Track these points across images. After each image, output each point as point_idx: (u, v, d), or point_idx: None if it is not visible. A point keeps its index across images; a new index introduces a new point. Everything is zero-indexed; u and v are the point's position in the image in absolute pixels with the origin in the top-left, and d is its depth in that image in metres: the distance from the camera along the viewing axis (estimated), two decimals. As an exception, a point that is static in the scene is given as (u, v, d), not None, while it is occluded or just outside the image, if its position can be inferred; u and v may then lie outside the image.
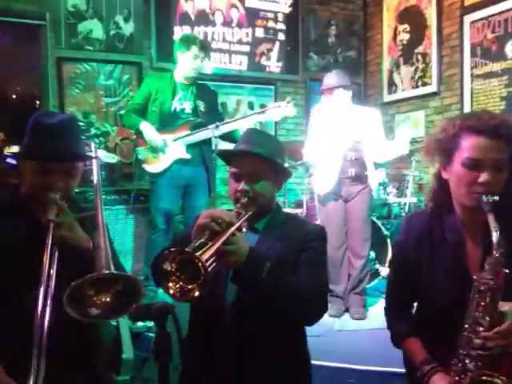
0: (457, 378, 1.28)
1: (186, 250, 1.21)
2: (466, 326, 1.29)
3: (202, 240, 1.30)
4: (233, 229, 1.36)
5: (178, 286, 1.22)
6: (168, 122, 3.56)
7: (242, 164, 1.58)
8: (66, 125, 1.54)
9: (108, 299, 1.28)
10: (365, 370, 2.51)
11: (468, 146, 1.36)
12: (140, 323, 2.91)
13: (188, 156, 3.56)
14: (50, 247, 1.33)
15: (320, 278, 1.55)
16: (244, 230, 1.51)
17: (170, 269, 1.21)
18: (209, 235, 1.32)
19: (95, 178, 1.68)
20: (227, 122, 3.58)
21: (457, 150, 1.38)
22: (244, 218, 1.49)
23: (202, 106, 3.67)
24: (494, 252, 1.26)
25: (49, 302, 1.24)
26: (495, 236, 1.26)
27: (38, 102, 5.07)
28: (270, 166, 1.59)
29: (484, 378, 1.23)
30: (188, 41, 3.66)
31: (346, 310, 3.55)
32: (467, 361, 1.27)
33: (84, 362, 1.48)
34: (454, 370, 1.30)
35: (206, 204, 3.67)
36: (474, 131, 1.35)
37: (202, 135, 3.52)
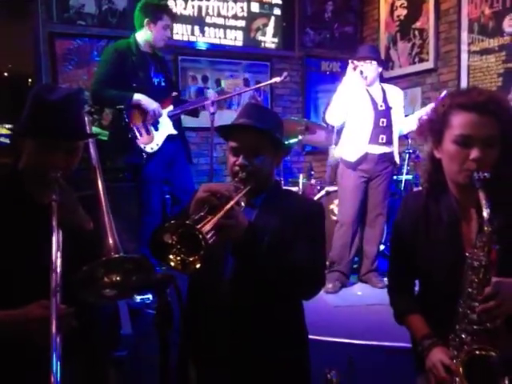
0: (455, 352, 1.30)
1: (187, 222, 1.21)
2: (461, 301, 1.31)
3: (202, 214, 1.30)
4: (232, 203, 1.36)
5: (178, 258, 1.23)
6: (153, 97, 3.39)
7: (242, 138, 1.57)
8: (70, 101, 1.47)
9: (119, 278, 1.28)
10: (362, 344, 2.55)
11: (458, 123, 1.36)
12: (138, 299, 2.93)
13: (175, 131, 3.49)
14: (56, 229, 1.29)
15: (317, 254, 1.57)
16: (243, 204, 1.51)
17: (170, 241, 1.21)
18: (208, 209, 1.32)
19: (94, 157, 1.64)
20: (223, 98, 3.54)
21: (447, 128, 1.39)
22: (243, 192, 1.48)
23: (171, 78, 3.61)
24: (485, 228, 1.27)
25: (59, 288, 1.22)
26: (486, 212, 1.26)
27: (30, 80, 4.99)
28: (269, 140, 1.58)
29: (478, 352, 1.25)
30: (158, 9, 3.45)
31: (344, 286, 3.63)
32: (463, 335, 1.29)
33: (82, 341, 1.48)
34: (452, 345, 1.32)
35: (192, 175, 3.66)
36: (463, 108, 1.35)
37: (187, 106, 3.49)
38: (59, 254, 1.27)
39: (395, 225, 1.65)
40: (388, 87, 3.69)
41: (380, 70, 3.61)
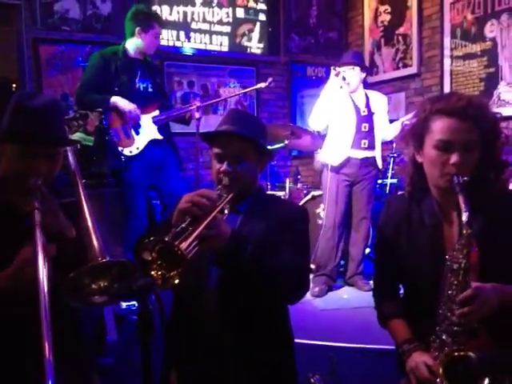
0: (436, 354, 1.32)
1: (165, 239, 1.20)
2: (442, 303, 1.32)
3: (183, 225, 1.29)
4: (214, 213, 1.36)
5: (159, 273, 1.22)
6: (136, 101, 3.40)
7: (226, 144, 1.57)
8: (51, 108, 1.47)
9: (106, 284, 1.27)
10: (347, 347, 2.56)
11: (438, 128, 1.38)
12: (124, 306, 2.91)
13: (160, 136, 3.49)
14: (39, 238, 1.26)
15: (301, 259, 1.57)
16: (226, 211, 1.51)
17: (150, 258, 1.21)
18: (190, 220, 1.31)
19: (72, 163, 1.62)
20: (209, 103, 3.55)
21: (428, 133, 1.41)
22: (225, 201, 1.48)
23: (159, 84, 3.61)
24: (464, 232, 1.28)
25: (47, 299, 1.20)
26: (465, 216, 1.28)
27: (14, 85, 4.95)
28: (253, 147, 1.59)
29: (457, 353, 1.26)
30: (150, 18, 3.51)
31: (330, 290, 3.65)
32: (444, 337, 1.31)
33: (64, 348, 1.47)
34: (433, 346, 1.34)
35: (181, 181, 3.65)
36: (442, 113, 1.37)
37: (181, 115, 3.48)
38: (46, 263, 1.25)
39: (378, 228, 1.66)
40: (371, 93, 3.73)
41: (363, 75, 3.65)
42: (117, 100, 3.33)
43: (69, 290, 1.19)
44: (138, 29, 3.44)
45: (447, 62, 4.76)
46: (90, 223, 1.36)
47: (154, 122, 3.49)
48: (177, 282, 1.20)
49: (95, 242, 1.29)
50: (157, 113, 3.51)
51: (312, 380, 1.33)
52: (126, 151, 3.41)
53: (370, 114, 3.60)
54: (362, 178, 3.64)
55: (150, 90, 3.55)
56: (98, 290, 1.26)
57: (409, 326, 1.50)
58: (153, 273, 1.21)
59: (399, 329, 1.51)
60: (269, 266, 1.44)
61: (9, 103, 1.47)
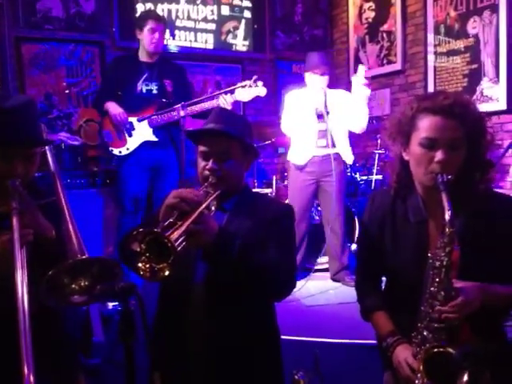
0: (417, 349, 1.34)
1: (155, 230, 1.21)
2: (424, 300, 1.34)
3: (171, 220, 1.30)
4: (201, 208, 1.36)
5: (147, 266, 1.22)
6: (134, 104, 3.52)
7: (211, 143, 1.58)
8: (25, 108, 1.47)
9: (86, 283, 1.27)
10: (331, 342, 2.58)
11: (424, 126, 1.39)
12: (110, 306, 2.90)
13: (155, 138, 3.53)
14: (18, 237, 1.27)
15: (288, 255, 1.58)
16: (213, 209, 1.52)
17: (139, 249, 1.21)
18: (177, 215, 1.32)
19: (51, 163, 1.62)
20: (194, 102, 3.54)
21: (414, 130, 1.42)
22: (213, 197, 1.49)
23: (169, 86, 3.61)
24: (447, 230, 1.30)
25: (26, 298, 1.19)
26: (448, 214, 1.29)
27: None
28: (238, 145, 1.60)
29: (437, 349, 1.28)
30: (142, 17, 3.64)
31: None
32: (425, 333, 1.33)
33: (47, 347, 1.46)
34: (414, 342, 1.36)
35: (176, 186, 3.66)
36: (429, 111, 1.38)
37: (167, 116, 3.47)
38: (24, 264, 1.25)
39: (362, 223, 1.68)
40: (330, 92, 3.74)
41: (327, 77, 3.70)
42: (108, 105, 3.51)
43: (48, 289, 1.19)
44: (137, 31, 3.59)
45: (431, 58, 4.80)
46: (69, 222, 1.36)
47: (149, 124, 3.54)
48: (167, 273, 1.21)
49: (74, 240, 1.29)
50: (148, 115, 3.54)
51: (296, 377, 1.34)
52: (116, 151, 3.54)
53: (326, 113, 3.65)
54: (327, 175, 3.70)
55: (154, 92, 3.62)
56: (78, 289, 1.26)
57: (391, 319, 1.52)
58: (140, 265, 1.22)
59: (382, 321, 1.53)
60: (256, 262, 1.45)
61: None
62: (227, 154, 1.57)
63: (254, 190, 1.85)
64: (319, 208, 4.01)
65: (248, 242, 1.46)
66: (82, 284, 1.28)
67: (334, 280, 3.81)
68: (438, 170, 1.35)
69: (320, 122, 3.66)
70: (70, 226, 1.35)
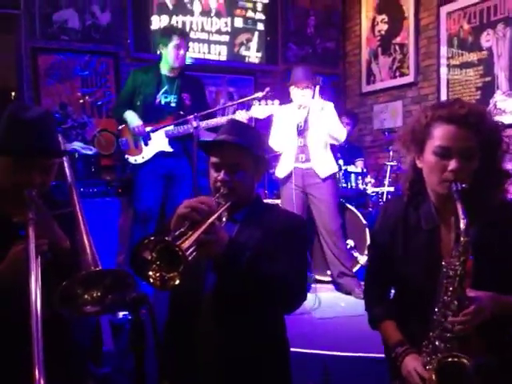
0: (428, 359, 1.33)
1: (166, 238, 1.21)
2: (436, 309, 1.33)
3: (182, 230, 1.30)
4: (212, 218, 1.37)
5: (158, 274, 1.23)
6: (152, 115, 3.59)
7: (223, 154, 1.59)
8: (43, 119, 1.49)
9: (99, 294, 1.28)
10: (341, 356, 2.55)
11: (438, 134, 1.39)
12: (120, 315, 2.90)
13: (171, 149, 3.59)
14: (34, 248, 1.27)
15: (298, 267, 1.57)
16: (224, 220, 1.53)
17: (149, 258, 1.22)
18: (189, 225, 1.33)
19: (68, 174, 1.64)
20: (207, 114, 3.56)
21: (428, 139, 1.42)
22: (224, 208, 1.50)
23: (187, 99, 3.67)
24: (462, 239, 1.29)
25: (39, 307, 1.19)
26: (463, 223, 1.29)
27: (13, 94, 4.97)
28: (249, 156, 1.60)
29: (451, 359, 1.27)
30: (168, 32, 3.66)
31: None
32: (437, 342, 1.32)
33: (56, 354, 1.46)
34: (425, 351, 1.35)
35: (189, 195, 3.69)
36: (444, 120, 1.38)
37: (183, 128, 3.52)
38: (39, 274, 1.25)
39: (374, 231, 1.67)
40: (314, 105, 3.71)
41: (312, 92, 3.71)
42: (127, 115, 3.58)
43: (61, 299, 1.20)
44: (160, 46, 3.65)
45: (444, 70, 4.80)
46: (84, 234, 1.37)
47: (166, 135, 3.60)
48: (177, 283, 1.21)
49: (88, 251, 1.30)
50: (171, 127, 3.59)
51: (308, 389, 1.33)
52: (132, 159, 3.61)
53: (306, 129, 3.70)
54: (312, 188, 3.74)
55: (172, 104, 3.69)
56: (91, 299, 1.27)
57: (399, 328, 1.51)
58: (151, 273, 1.22)
59: (390, 330, 1.52)
60: (265, 273, 1.44)
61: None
62: (238, 165, 1.58)
63: (265, 201, 1.84)
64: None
65: (258, 254, 1.45)
66: (95, 295, 1.29)
67: (342, 289, 3.79)
68: (451, 179, 1.35)
69: (299, 137, 3.71)
70: (85, 237, 1.36)
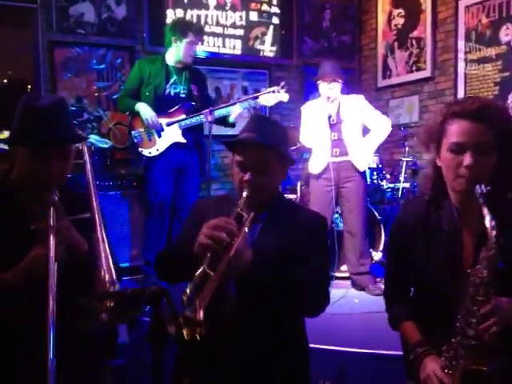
0: (448, 363, 1.32)
1: (186, 315, 1.21)
2: (460, 316, 1.31)
3: (205, 268, 1.28)
4: (234, 250, 1.33)
5: (185, 330, 1.24)
6: (163, 106, 3.57)
7: (248, 154, 1.53)
8: (58, 107, 1.49)
9: (112, 304, 1.29)
10: (356, 352, 2.55)
11: (452, 130, 1.38)
12: (135, 308, 2.92)
13: (184, 140, 3.58)
14: (53, 257, 1.29)
15: (321, 269, 1.57)
16: (246, 229, 1.45)
17: (174, 329, 1.22)
18: (210, 259, 1.31)
19: (89, 177, 1.61)
20: (221, 107, 3.58)
21: (444, 136, 1.41)
22: (247, 223, 1.44)
23: (195, 91, 3.67)
24: (490, 245, 1.27)
25: (55, 312, 1.22)
26: (490, 228, 1.26)
27: (29, 87, 5.01)
28: (275, 154, 1.55)
29: (474, 367, 1.26)
30: (184, 27, 3.65)
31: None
32: (459, 349, 1.30)
33: (71, 345, 1.47)
34: (446, 356, 1.33)
35: (197, 189, 3.71)
36: (457, 116, 1.37)
37: (196, 120, 3.53)
38: (55, 281, 1.27)
39: (393, 229, 1.65)
40: (344, 99, 3.76)
41: (341, 86, 3.74)
42: (140, 107, 3.54)
43: (78, 314, 1.21)
44: (173, 38, 3.61)
45: (461, 65, 4.73)
46: (101, 244, 1.36)
47: (179, 126, 3.60)
48: (202, 333, 1.22)
49: (106, 269, 1.30)
50: (183, 117, 3.60)
51: (322, 385, 1.33)
52: (146, 152, 3.58)
53: (339, 122, 3.70)
54: (345, 181, 3.74)
55: (181, 95, 3.69)
56: (107, 309, 1.27)
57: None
58: (184, 332, 1.23)
59: (410, 331, 1.50)
60: (291, 282, 1.43)
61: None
62: (264, 164, 1.52)
63: (287, 198, 1.81)
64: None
65: (281, 257, 1.45)
66: (109, 305, 1.29)
67: (357, 285, 3.78)
68: (466, 175, 1.34)
69: (333, 131, 3.70)
70: (102, 248, 1.35)
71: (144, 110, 3.53)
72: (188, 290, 1.24)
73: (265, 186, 1.54)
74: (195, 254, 1.33)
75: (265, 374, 1.48)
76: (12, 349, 1.38)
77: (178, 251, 1.53)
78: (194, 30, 3.66)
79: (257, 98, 3.59)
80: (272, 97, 3.52)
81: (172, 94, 3.66)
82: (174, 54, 3.64)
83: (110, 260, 1.35)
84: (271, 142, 1.53)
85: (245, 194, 1.49)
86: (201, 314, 1.21)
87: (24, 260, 1.35)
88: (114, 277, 1.31)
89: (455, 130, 1.36)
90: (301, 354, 1.60)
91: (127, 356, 2.40)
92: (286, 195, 4.37)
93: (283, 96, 3.57)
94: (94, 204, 1.51)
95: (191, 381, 1.53)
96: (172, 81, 3.65)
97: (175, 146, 3.60)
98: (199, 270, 1.28)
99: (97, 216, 1.47)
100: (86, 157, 1.70)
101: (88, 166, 1.66)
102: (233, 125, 3.72)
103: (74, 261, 1.39)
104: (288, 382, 1.53)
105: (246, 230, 1.44)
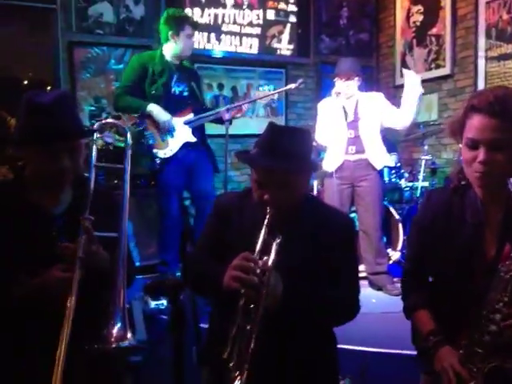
0: (466, 358, 1.30)
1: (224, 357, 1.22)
2: (484, 312, 1.29)
3: (240, 324, 1.28)
4: (265, 291, 1.31)
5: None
6: (171, 105, 3.51)
7: (266, 175, 1.43)
8: (62, 102, 1.45)
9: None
10: (376, 352, 2.53)
11: (469, 125, 1.36)
12: (153, 305, 2.95)
13: (194, 139, 3.56)
14: (77, 284, 1.31)
15: (354, 280, 1.57)
16: (273, 255, 1.39)
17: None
18: (243, 307, 1.30)
19: (126, 189, 1.59)
20: (237, 105, 3.57)
21: (464, 130, 1.38)
22: (275, 252, 1.37)
23: (196, 89, 3.66)
24: None
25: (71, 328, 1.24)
26: None
27: (49, 88, 5.08)
28: (299, 172, 1.47)
29: (498, 364, 1.25)
30: (180, 20, 3.55)
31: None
32: (481, 345, 1.29)
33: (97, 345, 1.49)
34: (465, 351, 1.32)
35: (212, 182, 3.70)
36: (474, 110, 1.34)
37: (212, 118, 3.52)
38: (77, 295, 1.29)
39: (415, 220, 1.62)
40: (362, 97, 3.72)
41: (359, 83, 3.70)
42: (153, 109, 3.44)
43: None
44: (170, 33, 3.50)
45: (481, 62, 4.66)
46: (120, 276, 1.35)
47: (188, 125, 3.55)
48: None
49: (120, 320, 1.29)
50: (191, 116, 3.57)
51: (342, 383, 1.33)
52: (161, 153, 3.50)
53: (356, 120, 3.66)
54: (361, 180, 3.68)
55: (184, 94, 3.63)
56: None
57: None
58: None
59: (424, 319, 1.48)
60: (323, 304, 1.43)
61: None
62: (284, 184, 1.42)
63: (312, 199, 1.70)
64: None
65: (310, 269, 1.44)
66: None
67: (374, 285, 3.76)
68: (480, 170, 1.32)
69: (350, 128, 3.66)
70: (120, 279, 1.35)
71: (158, 111, 3.44)
72: (228, 350, 1.23)
73: (287, 201, 1.46)
74: (224, 292, 1.32)
75: (295, 374, 1.46)
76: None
77: (207, 271, 1.49)
78: (191, 23, 3.60)
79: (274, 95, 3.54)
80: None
81: (177, 92, 3.60)
82: (172, 48, 3.53)
83: (125, 308, 1.32)
84: (289, 161, 1.41)
85: (268, 212, 1.41)
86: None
87: (43, 277, 1.35)
88: (123, 331, 1.29)
89: (471, 125, 1.34)
90: (332, 351, 1.59)
91: (144, 353, 2.42)
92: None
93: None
94: (123, 223, 1.48)
95: (211, 370, 1.52)
96: (175, 78, 3.58)
97: (185, 145, 3.55)
98: (234, 329, 1.27)
99: (122, 241, 1.44)
100: (127, 163, 1.68)
101: (127, 176, 1.64)
102: (222, 122, 3.57)
103: (92, 274, 1.39)
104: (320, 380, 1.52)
105: (275, 259, 1.36)
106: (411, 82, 3.56)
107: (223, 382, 1.40)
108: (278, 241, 1.37)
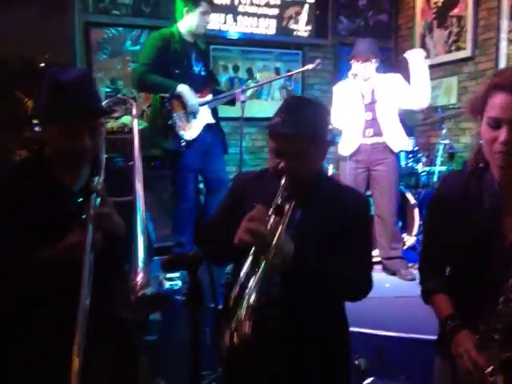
0: (482, 344, 1.30)
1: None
2: (501, 299, 1.28)
3: (249, 267, 1.29)
4: (275, 242, 1.31)
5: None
6: (194, 85, 3.46)
7: (282, 143, 1.47)
8: (84, 80, 1.46)
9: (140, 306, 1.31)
10: (390, 335, 2.53)
11: (491, 104, 1.32)
12: (167, 285, 2.98)
13: (213, 120, 3.55)
14: (90, 245, 1.31)
15: (367, 257, 1.58)
16: (287, 218, 1.43)
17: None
18: (253, 256, 1.32)
19: (136, 156, 1.60)
20: (251, 87, 3.55)
21: (485, 109, 1.35)
22: (287, 215, 1.41)
23: (210, 68, 3.63)
24: None
25: (88, 299, 1.24)
26: None
27: (66, 68, 5.10)
28: (312, 141, 1.49)
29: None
30: None
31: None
32: (497, 333, 1.28)
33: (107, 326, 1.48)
34: (482, 337, 1.31)
35: (224, 165, 3.70)
36: (498, 88, 1.30)
37: (226, 99, 3.50)
38: (91, 268, 1.29)
39: (430, 204, 1.61)
40: (380, 78, 3.64)
41: (377, 64, 3.63)
42: (183, 90, 3.36)
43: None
44: (186, 8, 3.45)
45: (503, 45, 4.53)
46: (140, 236, 1.35)
47: (209, 106, 3.53)
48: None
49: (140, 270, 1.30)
50: (210, 97, 3.55)
51: (357, 362, 1.34)
52: (187, 135, 3.44)
53: (373, 102, 3.59)
54: (377, 164, 3.63)
55: (202, 73, 3.61)
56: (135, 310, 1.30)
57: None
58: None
59: (442, 304, 1.47)
60: (334, 272, 1.43)
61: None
62: (301, 153, 1.46)
63: (328, 177, 1.74)
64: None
65: (324, 243, 1.44)
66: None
67: (388, 269, 3.74)
68: (501, 150, 1.29)
69: (367, 110, 3.60)
70: (140, 241, 1.35)
71: (187, 93, 3.37)
72: (236, 290, 1.24)
73: (302, 171, 1.49)
74: (235, 246, 1.33)
75: (309, 355, 1.48)
76: (42, 335, 1.40)
77: (219, 233, 1.52)
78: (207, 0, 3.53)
79: (290, 78, 3.50)
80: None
81: (196, 72, 3.56)
82: (187, 25, 3.49)
83: (144, 255, 1.34)
84: (307, 129, 1.45)
85: (282, 181, 1.45)
86: (247, 326, 1.20)
87: (58, 246, 1.36)
88: (146, 279, 1.30)
89: (493, 104, 1.31)
90: (343, 334, 1.61)
91: (159, 333, 2.46)
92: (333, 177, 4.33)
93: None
94: (137, 186, 1.51)
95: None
96: (194, 57, 3.55)
97: (205, 127, 3.54)
98: (243, 270, 1.28)
99: (138, 199, 1.46)
100: (135, 134, 1.68)
101: (136, 144, 1.65)
102: (233, 103, 3.63)
103: (109, 246, 1.39)
104: (330, 362, 1.53)
105: (287, 220, 1.40)
106: (414, 59, 3.54)
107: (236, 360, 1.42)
108: (292, 204, 1.42)
